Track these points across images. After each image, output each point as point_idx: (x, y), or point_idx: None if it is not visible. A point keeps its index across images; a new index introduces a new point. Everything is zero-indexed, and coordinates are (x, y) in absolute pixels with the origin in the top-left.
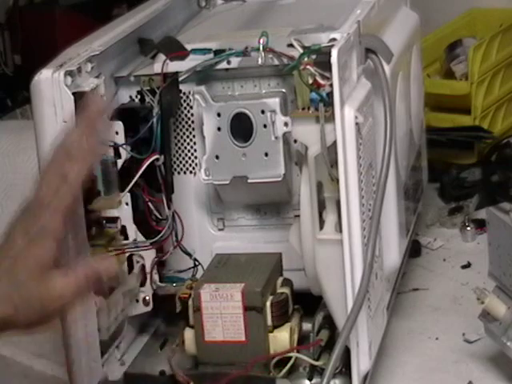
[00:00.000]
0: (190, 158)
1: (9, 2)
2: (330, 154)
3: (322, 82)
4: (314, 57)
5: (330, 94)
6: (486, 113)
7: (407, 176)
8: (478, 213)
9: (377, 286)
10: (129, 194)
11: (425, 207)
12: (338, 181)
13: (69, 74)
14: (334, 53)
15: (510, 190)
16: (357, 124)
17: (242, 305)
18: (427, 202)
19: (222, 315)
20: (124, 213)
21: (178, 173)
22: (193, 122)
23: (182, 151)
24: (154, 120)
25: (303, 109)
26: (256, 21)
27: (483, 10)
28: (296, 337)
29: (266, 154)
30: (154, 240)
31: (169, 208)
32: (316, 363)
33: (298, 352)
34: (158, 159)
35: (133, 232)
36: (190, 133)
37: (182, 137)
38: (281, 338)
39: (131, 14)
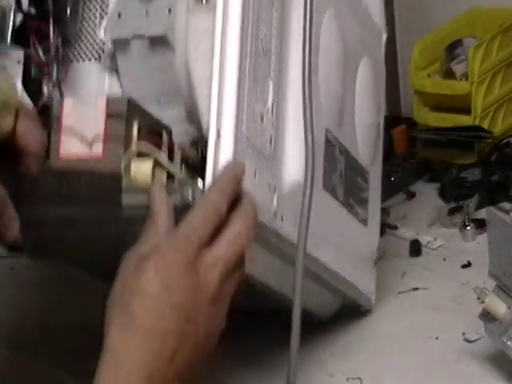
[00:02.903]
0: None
1: None
2: None
3: None
4: None
5: None
6: (486, 113)
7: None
8: (478, 213)
9: None
10: None
11: (425, 207)
12: None
13: None
14: None
15: (510, 190)
16: None
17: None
18: (427, 202)
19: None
20: None
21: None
22: None
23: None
24: None
25: None
26: None
27: (483, 9)
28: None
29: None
30: None
31: None
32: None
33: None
34: None
35: None
36: None
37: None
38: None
39: None
